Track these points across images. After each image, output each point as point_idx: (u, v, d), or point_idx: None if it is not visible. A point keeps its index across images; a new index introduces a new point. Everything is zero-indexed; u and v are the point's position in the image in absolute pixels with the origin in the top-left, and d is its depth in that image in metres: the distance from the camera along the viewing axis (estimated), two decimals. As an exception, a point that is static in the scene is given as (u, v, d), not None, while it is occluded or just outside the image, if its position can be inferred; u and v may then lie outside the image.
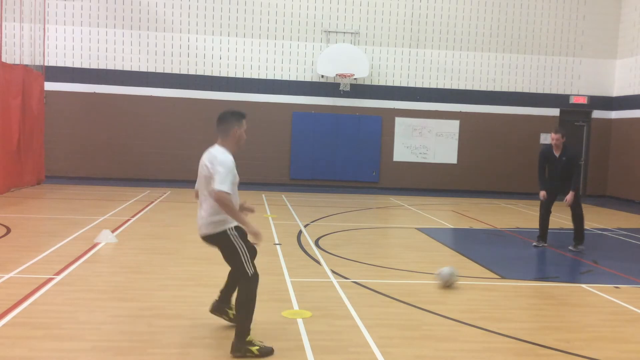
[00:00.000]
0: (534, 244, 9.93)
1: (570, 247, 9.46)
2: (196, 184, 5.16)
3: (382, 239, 10.61)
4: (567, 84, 19.27)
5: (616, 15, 19.13)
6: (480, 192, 18.77)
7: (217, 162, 4.78)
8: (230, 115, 5.02)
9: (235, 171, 4.91)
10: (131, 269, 7.24)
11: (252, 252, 4.95)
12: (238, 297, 4.82)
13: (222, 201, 4.69)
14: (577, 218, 9.51)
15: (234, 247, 4.82)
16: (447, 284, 6.97)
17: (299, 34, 18.35)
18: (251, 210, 5.29)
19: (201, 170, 4.91)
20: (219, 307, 5.29)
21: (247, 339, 4.69)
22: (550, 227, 9.99)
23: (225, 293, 5.29)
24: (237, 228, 4.88)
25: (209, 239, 4.91)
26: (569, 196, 9.28)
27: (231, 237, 4.84)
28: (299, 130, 18.35)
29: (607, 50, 19.23)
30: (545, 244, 9.83)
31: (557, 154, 9.47)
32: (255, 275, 4.83)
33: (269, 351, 4.71)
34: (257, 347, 4.67)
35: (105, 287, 6.41)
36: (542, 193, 9.61)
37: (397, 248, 9.68)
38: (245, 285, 4.80)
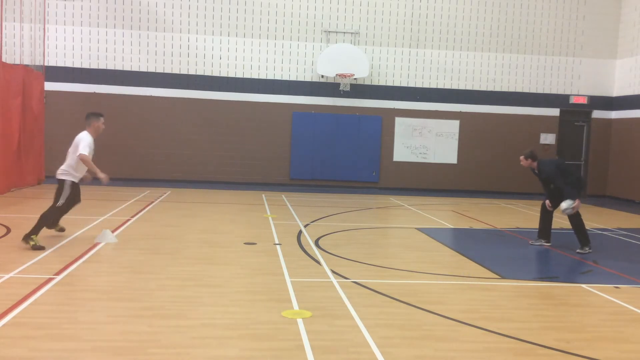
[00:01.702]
0: (530, 242, 10.06)
1: (577, 250, 9.46)
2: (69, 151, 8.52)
3: (382, 239, 10.61)
4: (567, 84, 19.28)
5: (616, 15, 19.13)
6: (480, 192, 18.77)
7: (82, 138, 8.40)
8: (92, 114, 8.69)
9: (92, 146, 8.47)
10: (131, 269, 7.24)
11: (74, 201, 8.66)
12: (44, 213, 8.24)
13: (83, 159, 8.27)
14: (575, 227, 9.51)
15: (61, 190, 8.35)
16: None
17: (299, 34, 18.35)
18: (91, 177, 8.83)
19: (73, 143, 8.46)
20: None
21: (32, 236, 7.96)
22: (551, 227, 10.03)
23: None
24: (73, 184, 8.46)
25: (58, 181, 8.45)
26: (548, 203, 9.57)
27: (65, 185, 8.37)
28: (299, 130, 18.35)
29: (607, 50, 19.23)
30: (544, 243, 9.87)
31: (537, 172, 9.67)
32: (61, 207, 8.43)
33: (39, 248, 7.90)
34: (33, 243, 7.93)
35: (105, 287, 6.42)
36: (546, 202, 9.75)
37: (397, 248, 9.68)
38: (52, 209, 8.32)
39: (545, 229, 9.93)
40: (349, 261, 8.12)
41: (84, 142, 8.33)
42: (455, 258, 8.83)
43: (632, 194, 18.11)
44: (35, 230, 8.04)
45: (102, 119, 8.71)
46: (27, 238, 7.98)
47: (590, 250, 9.38)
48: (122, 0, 17.65)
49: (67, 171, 8.42)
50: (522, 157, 9.59)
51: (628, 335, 5.58)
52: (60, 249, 8.14)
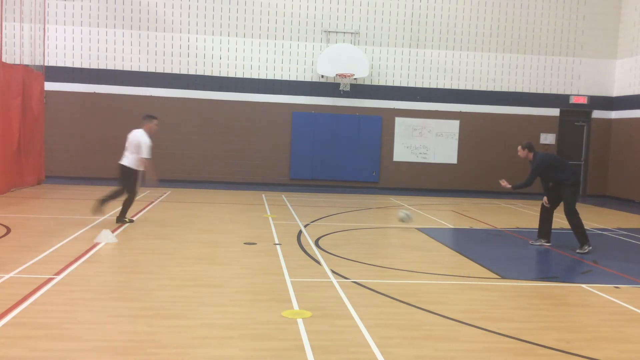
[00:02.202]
0: (530, 242, 10.07)
1: (577, 250, 9.44)
2: (127, 143, 10.06)
3: (382, 239, 10.61)
4: (567, 84, 19.28)
5: (616, 15, 19.13)
6: (480, 192, 18.77)
7: (144, 141, 9.86)
8: (147, 116, 10.17)
9: (149, 144, 9.92)
10: (131, 269, 7.24)
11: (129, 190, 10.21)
12: (125, 200, 10.08)
13: (144, 163, 9.83)
14: (573, 227, 9.50)
15: (131, 178, 9.95)
16: (403, 221, 11.07)
17: (299, 34, 18.35)
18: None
19: (132, 138, 9.96)
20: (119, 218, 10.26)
21: (124, 219, 10.12)
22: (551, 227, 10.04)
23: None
24: (135, 171, 10.04)
25: (124, 168, 10.00)
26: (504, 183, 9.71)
27: (133, 173, 9.95)
28: (299, 130, 18.35)
29: (607, 50, 19.23)
30: (544, 243, 9.87)
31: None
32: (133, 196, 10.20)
33: (131, 221, 10.24)
34: (127, 220, 10.12)
35: (105, 287, 6.42)
36: (544, 199, 9.85)
37: (397, 248, 9.68)
38: (131, 195, 10.10)
39: (545, 229, 9.93)
40: (349, 261, 8.12)
41: (145, 145, 9.70)
42: (455, 258, 8.83)
43: (632, 194, 18.11)
44: (124, 212, 10.13)
45: (155, 121, 10.11)
46: (120, 220, 10.07)
47: (590, 248, 9.37)
48: (122, 0, 17.66)
49: (135, 164, 9.90)
50: (519, 147, 9.77)
51: (628, 335, 5.58)
52: (60, 249, 8.15)
